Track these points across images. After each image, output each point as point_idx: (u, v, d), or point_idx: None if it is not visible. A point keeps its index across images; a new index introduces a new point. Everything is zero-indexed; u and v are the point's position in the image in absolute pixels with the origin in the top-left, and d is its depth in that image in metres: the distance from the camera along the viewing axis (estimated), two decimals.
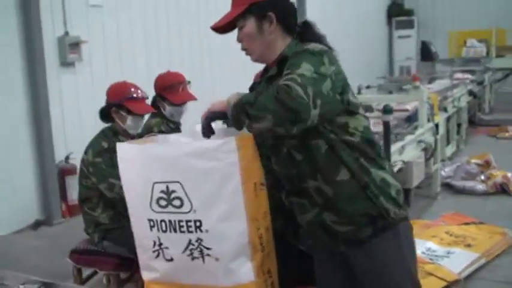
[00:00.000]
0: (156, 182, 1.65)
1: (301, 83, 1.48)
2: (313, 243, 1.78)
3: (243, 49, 1.81)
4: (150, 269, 1.74)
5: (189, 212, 1.62)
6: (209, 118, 1.62)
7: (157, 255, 1.70)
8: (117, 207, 2.95)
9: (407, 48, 15.02)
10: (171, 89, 3.40)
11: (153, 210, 1.67)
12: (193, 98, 3.41)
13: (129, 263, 3.09)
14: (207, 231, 1.61)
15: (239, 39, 1.80)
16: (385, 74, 14.42)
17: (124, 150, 1.75)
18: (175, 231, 1.63)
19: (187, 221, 1.62)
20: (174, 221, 1.64)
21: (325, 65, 1.59)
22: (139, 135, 3.04)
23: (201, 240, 1.61)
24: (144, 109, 3.03)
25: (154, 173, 1.65)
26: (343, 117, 1.71)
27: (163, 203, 1.65)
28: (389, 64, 15.33)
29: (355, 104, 1.76)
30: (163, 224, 1.66)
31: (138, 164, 1.68)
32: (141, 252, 1.75)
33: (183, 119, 3.47)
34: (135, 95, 2.96)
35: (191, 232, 1.62)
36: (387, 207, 1.73)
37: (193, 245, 1.62)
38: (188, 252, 1.64)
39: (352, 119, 1.72)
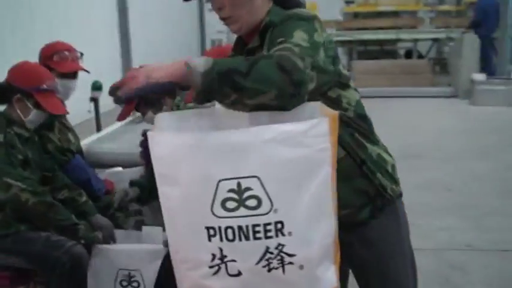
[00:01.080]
0: (223, 180, 1.29)
1: (299, 54, 1.33)
2: None
3: (223, 18, 1.63)
4: None
5: (268, 212, 1.29)
6: (149, 88, 1.29)
7: (217, 271, 1.34)
8: (6, 209, 2.48)
9: (218, 20, 15.27)
10: (59, 58, 2.90)
11: (215, 215, 1.30)
12: (85, 69, 2.98)
13: (26, 276, 2.64)
14: (290, 234, 1.30)
15: (218, 6, 1.61)
16: (198, 49, 14.47)
17: (163, 142, 1.32)
18: (247, 238, 1.29)
19: (265, 225, 1.29)
20: (247, 226, 1.29)
21: (317, 31, 1.48)
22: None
23: (283, 246, 1.30)
24: (58, 108, 2.60)
25: (220, 168, 1.29)
26: (336, 91, 1.63)
27: (232, 205, 1.30)
28: (201, 39, 15.41)
29: (346, 76, 1.68)
30: (229, 231, 1.30)
31: (192, 158, 1.30)
32: (189, 269, 1.36)
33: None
34: (49, 88, 2.54)
35: (270, 238, 1.30)
36: (384, 184, 1.70)
37: (271, 253, 1.30)
38: (264, 262, 1.31)
39: (345, 92, 1.65)
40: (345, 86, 1.66)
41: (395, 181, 1.75)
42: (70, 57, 2.94)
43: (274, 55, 1.31)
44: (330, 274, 1.37)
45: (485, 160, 6.33)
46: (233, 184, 1.29)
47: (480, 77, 9.90)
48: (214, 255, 1.32)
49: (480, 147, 6.91)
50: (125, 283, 2.56)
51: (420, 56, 13.45)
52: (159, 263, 2.46)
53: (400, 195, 1.79)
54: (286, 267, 1.32)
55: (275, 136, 1.27)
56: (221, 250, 1.32)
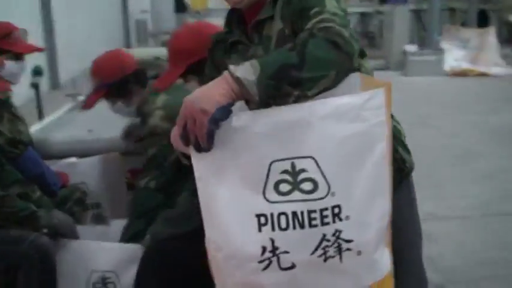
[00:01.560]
0: (275, 161, 1.17)
1: (341, 24, 1.23)
2: None
3: None
4: (251, 287, 1.23)
5: (325, 196, 1.17)
6: (215, 121, 1.14)
7: (267, 265, 1.20)
8: None
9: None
10: (9, 38, 2.63)
11: (267, 200, 1.17)
12: (41, 49, 2.77)
13: None
14: (347, 218, 1.19)
15: None
16: (121, 29, 13.92)
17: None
18: (302, 226, 1.17)
19: (322, 210, 1.17)
20: (302, 212, 1.17)
21: None
22: None
23: (340, 232, 1.18)
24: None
25: (272, 148, 1.17)
26: (357, 60, 1.52)
27: (285, 188, 1.17)
28: (125, 19, 14.80)
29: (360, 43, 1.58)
30: (282, 218, 1.17)
31: (242, 140, 1.17)
32: (235, 266, 1.21)
33: None
34: None
35: (327, 224, 1.17)
36: (404, 158, 1.62)
37: (328, 240, 1.18)
38: (320, 252, 1.18)
39: (363, 61, 1.53)
40: (363, 54, 1.54)
41: (409, 152, 1.67)
42: (21, 37, 2.68)
43: (318, 32, 1.19)
44: (386, 258, 1.27)
45: (423, 128, 6.48)
46: (287, 165, 1.17)
47: (411, 48, 10.15)
48: (264, 248, 1.18)
49: (417, 117, 7.08)
50: (98, 285, 2.35)
51: None
52: (137, 264, 2.26)
53: (413, 166, 1.72)
54: (344, 254, 1.21)
55: (332, 111, 1.16)
56: (272, 241, 1.18)
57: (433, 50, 10.18)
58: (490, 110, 7.22)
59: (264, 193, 1.18)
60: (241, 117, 1.18)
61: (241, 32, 1.53)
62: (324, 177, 1.17)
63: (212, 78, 1.20)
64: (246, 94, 1.15)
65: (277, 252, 1.19)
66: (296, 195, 1.18)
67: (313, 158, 1.16)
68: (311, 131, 1.16)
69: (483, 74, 9.72)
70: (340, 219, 1.19)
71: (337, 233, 1.19)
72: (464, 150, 5.58)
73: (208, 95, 1.15)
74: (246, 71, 1.14)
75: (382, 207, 1.23)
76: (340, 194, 1.18)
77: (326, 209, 1.18)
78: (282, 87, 1.15)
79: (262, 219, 1.18)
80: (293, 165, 1.17)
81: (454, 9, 11.92)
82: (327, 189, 1.18)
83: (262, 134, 1.17)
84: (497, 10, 12.25)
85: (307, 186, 1.17)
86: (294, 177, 1.17)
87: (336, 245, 1.20)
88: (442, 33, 10.81)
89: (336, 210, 1.18)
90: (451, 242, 3.69)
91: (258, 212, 1.18)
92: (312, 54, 1.15)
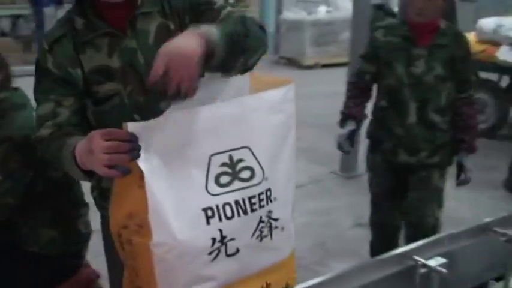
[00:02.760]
0: (215, 154, 1.23)
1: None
2: None
3: None
4: (202, 280, 1.25)
5: (261, 182, 1.29)
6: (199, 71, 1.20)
7: (216, 256, 1.24)
8: None
9: None
10: None
11: (210, 193, 1.23)
12: None
13: None
14: (275, 199, 1.34)
15: None
16: None
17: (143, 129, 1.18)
18: (245, 213, 1.26)
19: (259, 194, 1.28)
20: (243, 199, 1.26)
21: None
22: None
23: (271, 212, 1.32)
24: None
25: (210, 143, 1.23)
26: None
27: (225, 179, 1.25)
28: None
29: None
30: (227, 208, 1.25)
31: (179, 139, 1.20)
32: (186, 263, 1.21)
33: None
34: None
35: (262, 207, 1.30)
36: None
37: (263, 221, 1.31)
38: (258, 233, 1.30)
39: None
40: None
41: None
42: None
43: (244, 15, 1.35)
44: (293, 228, 1.45)
45: None
46: (225, 158, 1.25)
47: None
48: (214, 239, 1.24)
49: None
50: None
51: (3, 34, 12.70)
52: None
53: None
54: (273, 232, 1.36)
55: (260, 104, 1.29)
56: (221, 231, 1.25)
57: None
58: None
59: (206, 187, 1.24)
60: (179, 115, 1.21)
61: (106, 25, 1.47)
62: (259, 164, 1.30)
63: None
64: (212, 47, 1.20)
65: (225, 240, 1.26)
66: (236, 184, 1.27)
67: (249, 148, 1.28)
68: (245, 123, 1.27)
69: None
70: (271, 201, 1.34)
71: (269, 214, 1.34)
72: None
73: (187, 44, 1.17)
74: (209, 30, 1.21)
75: (293, 184, 1.42)
76: (270, 178, 1.33)
77: (262, 193, 1.31)
78: (235, 51, 1.25)
79: (209, 212, 1.24)
80: (231, 157, 1.26)
81: None
82: (262, 175, 1.31)
83: (201, 130, 1.22)
84: None
85: (245, 174, 1.28)
86: (233, 168, 1.27)
87: (268, 224, 1.34)
88: None
89: (268, 193, 1.32)
90: None
91: (204, 206, 1.24)
92: (252, 30, 1.30)
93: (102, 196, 1.61)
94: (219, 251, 1.26)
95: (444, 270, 1.67)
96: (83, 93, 1.50)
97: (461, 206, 4.19)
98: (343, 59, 11.42)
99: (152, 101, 1.40)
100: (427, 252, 1.74)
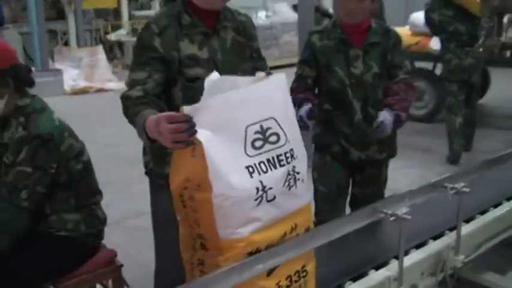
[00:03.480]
0: (249, 125, 1.64)
1: None
2: None
3: None
4: (250, 221, 1.66)
5: (285, 144, 1.72)
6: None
7: (260, 201, 1.64)
8: None
9: None
10: None
11: (248, 155, 1.64)
12: None
13: None
14: (297, 156, 1.76)
15: None
16: None
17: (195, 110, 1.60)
18: (275, 167, 1.68)
19: (285, 153, 1.71)
20: (273, 157, 1.68)
21: None
22: None
23: (295, 167, 1.75)
24: None
25: (245, 117, 1.64)
26: None
27: (259, 143, 1.66)
28: None
29: None
30: (262, 165, 1.66)
31: (222, 116, 1.61)
32: (237, 209, 1.63)
33: None
34: None
35: (288, 163, 1.73)
36: None
37: (290, 174, 1.73)
38: (287, 183, 1.72)
39: None
40: None
41: None
42: None
43: None
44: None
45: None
46: (257, 127, 1.67)
47: None
48: (257, 188, 1.65)
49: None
50: None
51: None
52: None
53: None
54: (297, 182, 1.78)
55: (278, 85, 1.72)
56: (261, 182, 1.66)
57: (50, 71, 10.48)
58: None
59: (245, 151, 1.65)
60: (220, 97, 1.61)
61: (204, 26, 2.15)
62: (283, 130, 1.72)
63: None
64: None
65: (266, 189, 1.68)
66: (267, 147, 1.69)
67: (274, 118, 1.70)
68: (269, 100, 1.70)
69: (100, 90, 10.55)
70: (294, 158, 1.76)
71: (294, 168, 1.76)
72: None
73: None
74: None
75: (303, 145, 1.84)
76: (291, 140, 1.75)
77: (287, 152, 1.73)
78: None
79: (250, 169, 1.65)
80: (261, 126, 1.68)
81: (55, 31, 12.40)
82: (285, 138, 1.73)
83: (237, 108, 1.64)
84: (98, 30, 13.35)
85: (273, 138, 1.70)
86: (264, 135, 1.68)
87: (293, 177, 1.76)
88: (53, 54, 11.18)
89: (292, 152, 1.75)
90: None
91: (246, 165, 1.65)
92: None
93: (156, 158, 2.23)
94: (262, 197, 1.68)
95: (409, 217, 2.15)
96: (176, 72, 2.07)
97: (412, 182, 4.69)
98: (285, 61, 12.01)
99: None
100: (393, 206, 2.21)
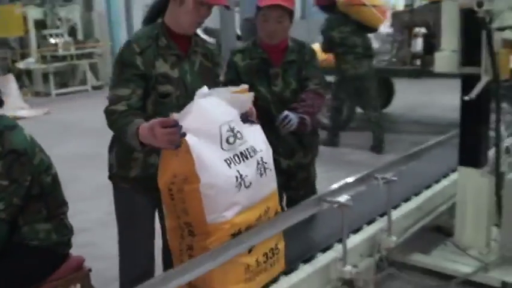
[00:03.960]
0: (222, 124, 1.99)
1: None
2: None
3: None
4: (233, 205, 1.98)
5: (247, 140, 2.09)
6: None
7: (239, 188, 1.96)
8: None
9: None
10: None
11: (224, 149, 1.98)
12: None
13: None
14: (261, 150, 2.10)
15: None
16: None
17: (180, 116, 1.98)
18: (246, 158, 2.02)
19: (251, 146, 2.07)
20: (244, 150, 2.02)
21: None
22: None
23: (262, 158, 2.08)
24: None
25: (218, 118, 1.99)
26: None
27: (231, 139, 2.00)
28: None
29: None
30: (236, 157, 2.00)
31: (200, 118, 1.97)
32: (222, 196, 1.95)
33: None
34: None
35: (256, 154, 2.07)
36: None
37: (259, 163, 2.06)
38: (258, 171, 2.05)
39: None
40: None
41: None
42: None
43: None
44: None
45: None
46: (227, 126, 2.01)
47: None
48: (237, 177, 1.98)
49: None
50: None
51: None
52: None
53: None
54: (267, 171, 2.13)
55: (232, 95, 2.10)
56: (238, 171, 1.98)
57: None
58: (56, 143, 8.00)
59: (221, 146, 1.99)
60: (196, 105, 1.98)
61: (177, 48, 2.44)
62: (241, 130, 2.07)
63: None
64: None
65: (243, 177, 2.02)
66: (237, 142, 2.03)
67: (234, 120, 2.06)
68: (231, 105, 2.08)
69: (13, 118, 10.29)
70: (259, 151, 2.10)
71: (261, 159, 2.11)
72: None
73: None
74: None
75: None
76: (251, 137, 2.12)
77: (252, 146, 2.09)
78: None
79: (228, 161, 1.98)
80: (229, 125, 2.03)
81: None
82: (245, 137, 2.08)
83: (211, 112, 2.01)
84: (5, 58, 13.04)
85: (239, 135, 2.04)
86: (233, 132, 2.01)
87: (263, 166, 2.11)
88: None
89: (254, 147, 2.10)
90: None
91: (224, 158, 1.98)
92: None
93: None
94: (240, 184, 2.01)
95: (351, 203, 2.53)
96: (150, 88, 2.32)
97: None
98: None
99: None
100: (335, 195, 2.59)
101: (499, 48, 3.30)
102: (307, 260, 2.66)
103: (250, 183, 2.04)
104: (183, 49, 2.45)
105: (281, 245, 2.29)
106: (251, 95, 2.18)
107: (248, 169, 2.04)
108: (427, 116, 8.65)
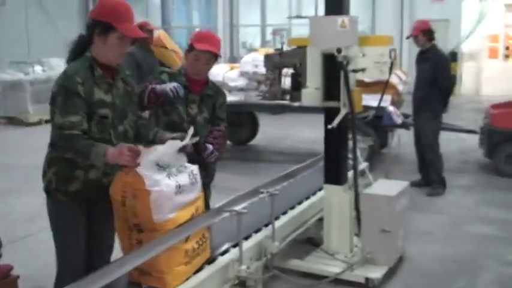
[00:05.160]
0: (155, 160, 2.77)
1: None
2: None
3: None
4: (174, 207, 2.73)
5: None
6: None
7: (179, 193, 2.75)
8: None
9: None
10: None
11: (162, 170, 2.79)
12: None
13: None
14: (187, 167, 2.91)
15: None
16: None
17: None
18: (180, 172, 2.82)
19: (179, 166, 2.87)
20: (175, 169, 2.83)
21: None
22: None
23: (192, 170, 2.90)
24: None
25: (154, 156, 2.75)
26: None
27: (164, 166, 2.81)
28: None
29: None
30: (173, 171, 2.80)
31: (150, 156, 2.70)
32: (166, 200, 2.69)
33: None
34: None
35: (187, 168, 2.88)
36: None
37: (191, 175, 2.87)
38: (190, 181, 2.84)
39: None
40: None
41: None
42: None
43: None
44: None
45: None
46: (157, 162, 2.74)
47: None
48: (176, 185, 2.73)
49: None
50: None
51: None
52: None
53: None
54: (196, 180, 2.91)
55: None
56: (177, 181, 2.73)
57: None
58: None
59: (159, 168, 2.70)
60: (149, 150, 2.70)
61: (109, 77, 2.93)
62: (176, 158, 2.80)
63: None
64: None
65: (180, 184, 2.71)
66: (166, 168, 2.74)
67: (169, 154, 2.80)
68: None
69: None
70: (186, 168, 2.84)
71: (192, 171, 2.88)
72: None
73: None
74: None
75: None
76: (180, 161, 2.81)
77: (183, 164, 2.80)
78: None
79: (167, 175, 2.72)
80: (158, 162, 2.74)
81: None
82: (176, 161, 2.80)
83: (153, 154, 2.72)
84: None
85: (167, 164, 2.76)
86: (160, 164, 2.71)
87: (194, 177, 2.89)
88: None
89: (180, 167, 2.83)
90: None
91: (165, 174, 2.70)
92: None
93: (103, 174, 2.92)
94: (179, 191, 2.67)
95: (246, 210, 3.14)
96: (92, 112, 2.76)
97: None
98: None
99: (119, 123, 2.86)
100: (232, 206, 3.21)
101: (353, 87, 4.13)
102: (210, 262, 3.17)
103: (186, 189, 2.73)
104: (111, 77, 2.90)
105: (207, 234, 3.00)
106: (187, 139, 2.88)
107: (183, 179, 2.73)
108: (289, 147, 9.57)
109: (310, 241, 4.59)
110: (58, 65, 12.64)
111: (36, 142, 8.82)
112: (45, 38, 15.18)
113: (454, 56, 14.20)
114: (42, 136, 10.72)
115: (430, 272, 4.34)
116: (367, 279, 4.00)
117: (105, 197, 2.84)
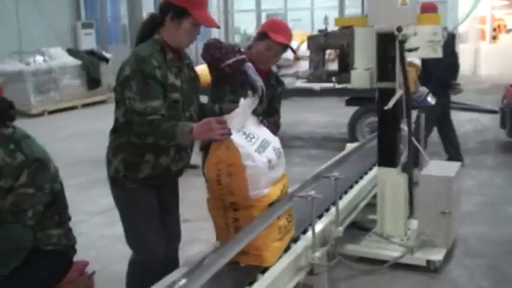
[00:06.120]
0: (241, 128, 2.73)
1: None
2: None
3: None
4: (268, 182, 2.72)
5: (260, 135, 2.79)
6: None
7: (271, 168, 2.71)
8: None
9: None
10: None
11: (251, 143, 2.73)
12: None
13: None
14: (272, 141, 2.83)
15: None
16: None
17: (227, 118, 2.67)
18: (266, 147, 2.73)
19: (265, 139, 2.78)
20: (262, 142, 2.74)
21: None
22: None
23: (275, 146, 2.80)
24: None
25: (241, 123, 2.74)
26: None
27: (251, 136, 2.75)
28: None
29: None
30: (260, 148, 2.72)
31: (236, 121, 2.66)
32: (261, 175, 2.66)
33: None
34: None
35: (270, 144, 2.78)
36: None
37: (275, 150, 2.78)
38: (276, 155, 2.77)
39: None
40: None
41: None
42: None
43: None
44: None
45: None
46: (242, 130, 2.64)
47: None
48: (268, 160, 2.67)
49: None
50: None
51: None
52: None
53: None
54: (281, 156, 2.81)
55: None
56: (267, 157, 2.67)
57: None
58: None
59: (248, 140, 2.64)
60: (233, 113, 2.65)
61: (179, 61, 2.85)
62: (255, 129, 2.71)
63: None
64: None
65: (270, 159, 2.68)
66: (253, 140, 2.65)
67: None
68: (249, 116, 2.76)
69: None
70: (271, 142, 2.74)
71: (275, 146, 2.74)
72: None
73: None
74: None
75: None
76: (263, 133, 2.73)
77: (265, 138, 2.70)
78: None
79: (257, 151, 2.62)
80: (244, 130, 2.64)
81: None
82: (258, 133, 2.71)
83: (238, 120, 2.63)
84: None
85: (252, 135, 2.67)
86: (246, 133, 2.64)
87: (278, 152, 2.75)
88: None
89: (264, 140, 2.72)
90: None
91: (254, 149, 2.62)
92: None
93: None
94: (270, 165, 2.67)
95: (320, 195, 3.02)
96: (165, 96, 2.66)
97: None
98: (67, 104, 12.09)
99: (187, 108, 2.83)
100: (304, 190, 3.11)
101: (406, 67, 4.04)
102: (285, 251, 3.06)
103: (275, 165, 2.71)
104: (179, 61, 2.81)
105: (292, 212, 3.03)
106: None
107: (271, 154, 2.69)
108: (305, 132, 9.49)
109: (356, 225, 4.51)
110: (58, 55, 12.40)
111: (40, 134, 8.67)
112: (36, 29, 14.85)
113: (453, 37, 14.13)
114: (46, 128, 10.60)
115: (484, 254, 4.29)
116: (428, 261, 3.94)
117: (172, 184, 2.78)
